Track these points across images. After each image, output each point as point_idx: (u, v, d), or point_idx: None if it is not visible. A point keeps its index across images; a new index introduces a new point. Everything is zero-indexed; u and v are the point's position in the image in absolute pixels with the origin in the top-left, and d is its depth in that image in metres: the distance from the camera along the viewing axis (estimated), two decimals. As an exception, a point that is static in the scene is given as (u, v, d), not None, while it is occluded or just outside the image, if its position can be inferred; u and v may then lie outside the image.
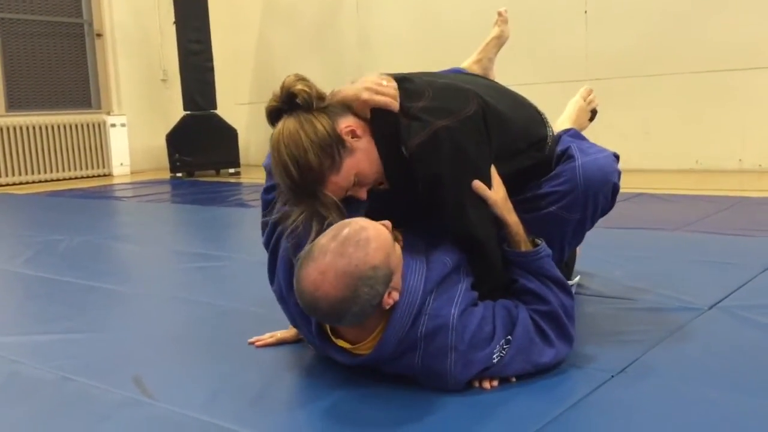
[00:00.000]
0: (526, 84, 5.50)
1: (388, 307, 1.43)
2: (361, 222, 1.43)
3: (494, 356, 1.48)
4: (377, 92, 1.56)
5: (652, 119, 5.26)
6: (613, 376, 1.53)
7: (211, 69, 6.84)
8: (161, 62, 7.80)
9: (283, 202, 1.61)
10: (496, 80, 2.20)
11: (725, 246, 2.79)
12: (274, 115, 1.57)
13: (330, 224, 1.49)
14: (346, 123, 1.55)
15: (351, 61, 6.68)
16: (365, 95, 1.56)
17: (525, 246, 1.63)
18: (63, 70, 7.28)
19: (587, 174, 1.69)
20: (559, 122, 2.07)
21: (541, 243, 1.64)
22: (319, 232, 1.48)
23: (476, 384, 1.50)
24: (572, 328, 1.59)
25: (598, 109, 2.21)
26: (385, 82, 1.59)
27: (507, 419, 1.37)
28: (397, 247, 1.47)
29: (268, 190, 1.80)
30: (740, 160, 5.03)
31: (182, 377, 1.69)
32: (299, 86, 1.52)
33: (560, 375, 1.55)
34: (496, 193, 1.61)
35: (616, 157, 1.78)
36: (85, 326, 2.10)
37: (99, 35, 7.48)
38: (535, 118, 1.80)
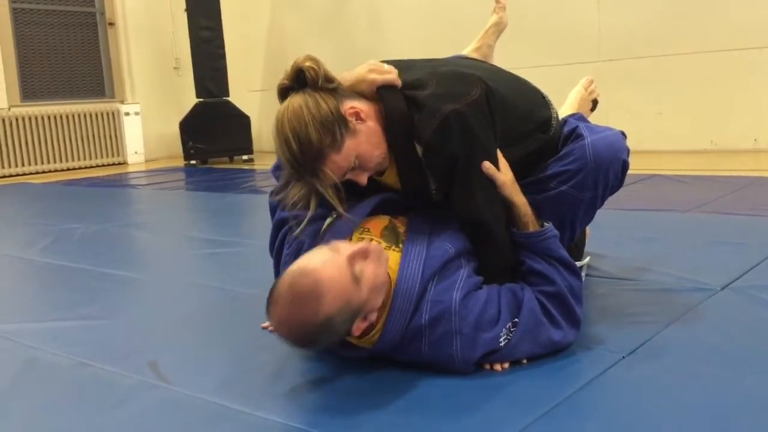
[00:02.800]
0: (539, 66, 5.50)
1: (358, 334, 1.45)
2: (319, 271, 1.37)
3: (501, 339, 1.49)
4: (381, 72, 1.61)
5: (666, 99, 5.22)
6: (624, 357, 1.54)
7: (223, 56, 6.85)
8: (173, 50, 7.81)
9: (285, 180, 1.64)
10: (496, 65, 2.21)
11: (739, 226, 2.77)
12: (283, 94, 1.59)
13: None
14: (351, 104, 1.57)
15: (362, 45, 6.66)
16: (371, 75, 1.60)
17: (533, 227, 1.64)
18: (76, 60, 7.31)
19: (597, 152, 1.69)
20: (560, 112, 2.06)
21: (549, 224, 1.64)
22: (315, 209, 1.59)
23: (487, 366, 1.51)
24: (579, 309, 1.59)
25: (599, 99, 2.22)
26: (386, 66, 1.63)
27: (518, 400, 1.38)
28: (367, 272, 1.41)
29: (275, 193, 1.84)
30: (755, 140, 4.99)
31: (196, 362, 1.71)
32: (308, 63, 1.54)
33: (571, 356, 1.56)
34: (504, 174, 1.62)
35: (623, 135, 1.78)
36: (101, 313, 2.12)
37: (111, 24, 7.50)
38: (538, 101, 1.81)
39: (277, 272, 1.77)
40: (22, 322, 2.09)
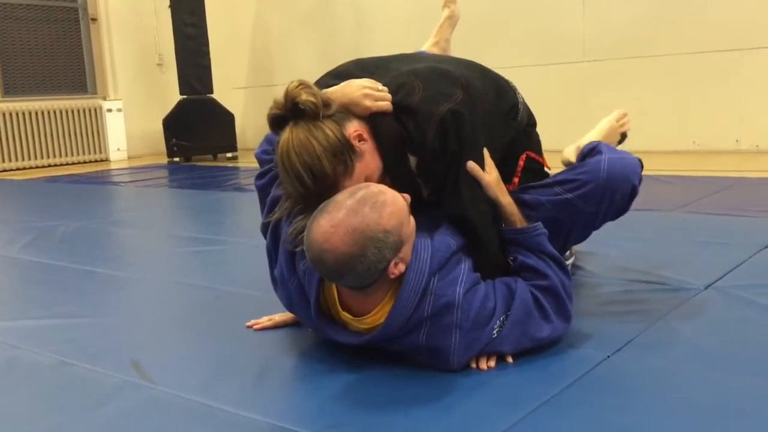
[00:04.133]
0: (523, 66, 5.51)
1: (393, 277, 1.44)
2: (380, 186, 1.45)
3: (494, 332, 1.50)
4: (376, 98, 1.58)
5: (650, 100, 5.25)
6: (609, 356, 1.54)
7: (207, 53, 6.81)
8: (157, 46, 7.76)
9: (291, 204, 1.61)
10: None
11: (721, 226, 2.80)
12: (277, 123, 1.56)
13: None
14: (354, 128, 1.55)
15: (347, 43, 6.64)
16: (368, 102, 1.57)
17: (521, 224, 1.65)
18: (58, 55, 7.24)
19: (611, 169, 1.72)
20: (587, 137, 2.08)
21: (538, 223, 1.65)
22: None
23: (473, 365, 1.51)
24: (571, 305, 1.61)
25: (628, 133, 2.20)
26: (380, 86, 1.61)
27: (503, 399, 1.38)
28: (412, 221, 1.48)
29: (261, 176, 1.81)
30: (737, 140, 5.03)
31: (181, 360, 1.70)
32: (304, 96, 1.50)
33: (556, 355, 1.56)
34: (489, 174, 1.63)
35: (641, 162, 1.81)
36: (84, 311, 2.10)
37: (94, 19, 7.43)
38: (503, 86, 1.84)
39: (275, 251, 1.71)
40: (3, 321, 2.06)
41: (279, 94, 1.57)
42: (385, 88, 1.61)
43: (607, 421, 1.28)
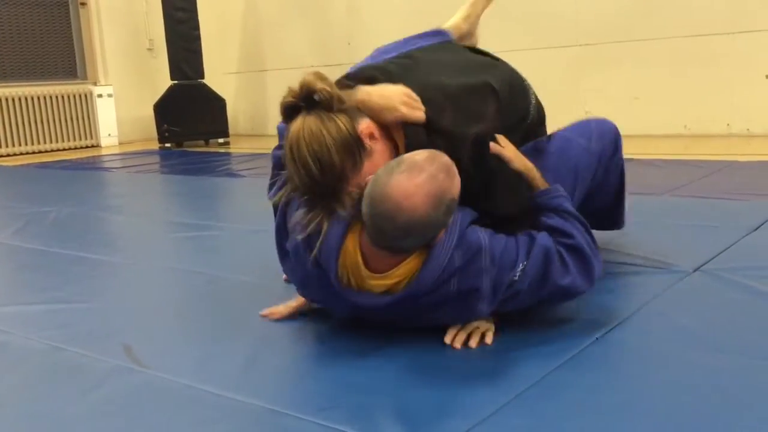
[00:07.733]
0: (515, 50, 5.47)
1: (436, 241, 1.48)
2: (445, 155, 1.49)
3: (516, 275, 1.52)
4: (413, 107, 1.59)
5: (641, 84, 5.25)
6: (597, 338, 1.56)
7: (198, 38, 6.77)
8: (147, 31, 7.71)
9: (295, 195, 1.60)
10: (478, 41, 2.26)
11: (711, 210, 2.81)
12: (289, 112, 1.55)
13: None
14: (366, 124, 1.55)
15: (340, 29, 6.62)
16: (404, 109, 1.58)
17: (543, 186, 1.70)
18: (48, 40, 7.19)
19: (595, 118, 1.99)
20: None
21: (557, 184, 1.71)
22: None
23: (458, 344, 1.53)
24: (597, 264, 1.61)
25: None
26: (416, 97, 1.61)
27: (494, 380, 1.39)
28: None
29: (279, 147, 1.80)
30: (728, 124, 5.04)
31: (173, 345, 1.71)
32: (320, 85, 1.50)
33: (546, 336, 1.58)
34: (508, 150, 1.68)
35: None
36: (75, 296, 2.10)
37: (83, 4, 7.37)
38: (521, 91, 1.87)
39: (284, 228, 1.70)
40: (-6, 306, 2.06)
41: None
42: (419, 99, 1.61)
43: (596, 402, 1.29)
